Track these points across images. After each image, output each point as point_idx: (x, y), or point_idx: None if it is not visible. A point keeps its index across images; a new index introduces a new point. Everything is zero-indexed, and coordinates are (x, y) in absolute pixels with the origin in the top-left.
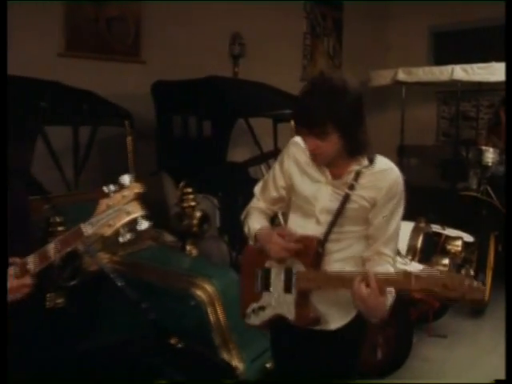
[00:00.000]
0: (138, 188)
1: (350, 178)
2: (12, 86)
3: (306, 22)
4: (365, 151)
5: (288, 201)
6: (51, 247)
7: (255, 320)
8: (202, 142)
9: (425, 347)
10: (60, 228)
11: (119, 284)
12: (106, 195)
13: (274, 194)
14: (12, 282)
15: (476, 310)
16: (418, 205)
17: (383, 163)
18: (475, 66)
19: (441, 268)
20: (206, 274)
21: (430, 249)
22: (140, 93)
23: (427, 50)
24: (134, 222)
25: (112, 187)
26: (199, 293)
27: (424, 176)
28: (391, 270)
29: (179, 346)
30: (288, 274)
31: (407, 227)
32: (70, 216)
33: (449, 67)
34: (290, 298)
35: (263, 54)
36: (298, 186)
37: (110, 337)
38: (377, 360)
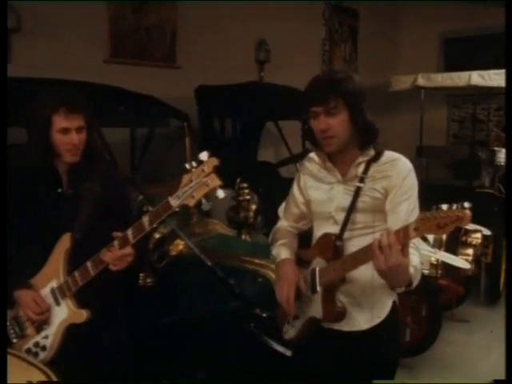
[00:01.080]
0: (214, 162)
1: (359, 171)
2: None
3: (325, 29)
4: (374, 139)
5: (310, 216)
6: (145, 219)
7: (292, 332)
8: (237, 142)
9: (448, 331)
10: None
11: (208, 263)
12: (189, 171)
13: (295, 210)
14: (116, 252)
15: (491, 298)
16: (437, 201)
17: (391, 154)
18: (491, 72)
19: (465, 258)
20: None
21: (452, 241)
22: (176, 96)
23: (438, 56)
24: (213, 192)
25: (194, 163)
26: (266, 271)
27: (439, 175)
28: (414, 251)
29: (264, 315)
30: (313, 274)
31: None
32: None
33: (466, 73)
34: (318, 297)
35: (286, 59)
36: (314, 194)
37: (190, 312)
38: (405, 341)
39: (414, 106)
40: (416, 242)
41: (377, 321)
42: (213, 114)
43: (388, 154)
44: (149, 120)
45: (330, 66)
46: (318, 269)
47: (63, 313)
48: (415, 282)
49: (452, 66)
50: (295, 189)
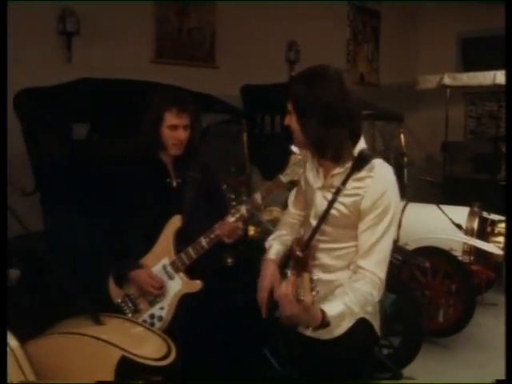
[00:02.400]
0: None
1: (336, 181)
2: (136, 89)
3: (349, 29)
4: (325, 152)
5: None
6: (258, 195)
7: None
8: (279, 138)
9: (477, 314)
10: None
11: None
12: (293, 153)
13: (301, 198)
14: (231, 225)
15: None
16: (462, 194)
17: (374, 168)
18: None
19: (497, 245)
20: None
21: (482, 230)
22: (215, 94)
23: (456, 55)
24: None
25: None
26: None
27: (459, 169)
28: (366, 288)
29: None
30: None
31: (463, 211)
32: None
33: (491, 73)
34: None
35: (315, 59)
36: (305, 189)
37: None
38: (438, 322)
39: (433, 103)
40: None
41: (334, 334)
42: (257, 111)
43: (370, 167)
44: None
45: (353, 64)
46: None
47: (177, 285)
48: (338, 323)
49: (470, 65)
50: (302, 178)
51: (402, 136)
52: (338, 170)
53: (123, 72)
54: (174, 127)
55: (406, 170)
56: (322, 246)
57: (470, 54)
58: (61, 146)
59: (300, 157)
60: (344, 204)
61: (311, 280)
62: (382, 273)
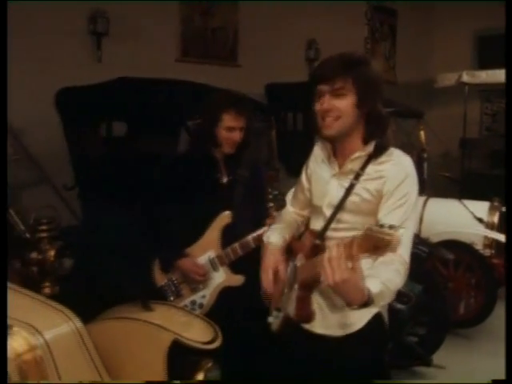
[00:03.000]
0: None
1: (355, 166)
2: (157, 88)
3: (367, 28)
4: (382, 132)
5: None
6: None
7: (275, 324)
8: (303, 135)
9: (498, 307)
10: None
11: None
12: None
13: (301, 197)
14: None
15: None
16: (480, 189)
17: (392, 153)
18: None
19: None
20: None
21: (502, 224)
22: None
23: (471, 53)
24: None
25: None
26: None
27: (476, 165)
28: (397, 270)
29: None
30: (293, 270)
31: (484, 206)
32: None
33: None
34: (293, 294)
35: None
36: (313, 184)
37: None
38: (460, 314)
39: (448, 100)
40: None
41: (350, 330)
42: (281, 108)
43: (389, 153)
44: None
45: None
46: (298, 265)
47: (221, 277)
48: (383, 301)
49: (486, 62)
50: (303, 175)
51: (422, 132)
52: (358, 154)
53: (150, 70)
54: (231, 129)
55: (425, 166)
56: (338, 234)
57: (486, 52)
58: (99, 142)
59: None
60: (366, 189)
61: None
62: (407, 256)
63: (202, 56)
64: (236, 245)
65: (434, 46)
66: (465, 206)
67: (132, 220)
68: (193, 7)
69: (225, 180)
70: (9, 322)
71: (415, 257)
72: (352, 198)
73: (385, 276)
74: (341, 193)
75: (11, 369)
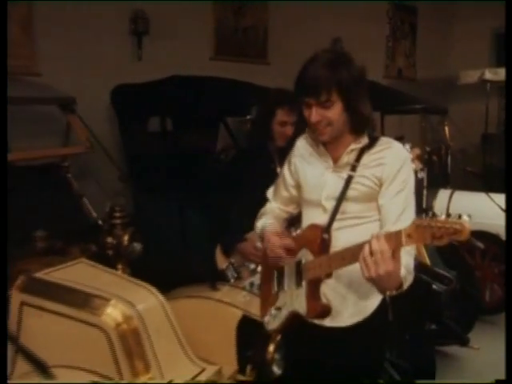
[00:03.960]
0: (417, 151)
1: (351, 158)
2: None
3: (389, 26)
4: (367, 126)
5: (300, 200)
6: None
7: (274, 323)
8: None
9: None
10: None
11: None
12: None
13: (284, 193)
14: None
15: None
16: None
17: (386, 142)
18: None
19: None
20: None
21: None
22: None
23: (489, 50)
24: (416, 173)
25: None
26: None
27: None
28: (408, 253)
29: None
30: (298, 266)
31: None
32: None
33: None
34: (302, 292)
35: (357, 55)
36: (304, 179)
37: None
38: (485, 301)
39: (467, 96)
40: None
41: (360, 317)
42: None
43: (383, 141)
44: None
45: (392, 59)
46: (303, 261)
47: None
48: (406, 284)
49: (503, 59)
50: (286, 171)
51: (446, 128)
52: (354, 146)
53: (186, 68)
54: (284, 123)
55: (449, 161)
56: (342, 224)
57: (504, 50)
58: (147, 136)
59: None
60: (366, 177)
61: None
62: None
63: (234, 54)
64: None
65: (452, 44)
66: (491, 198)
67: (191, 209)
68: (226, 7)
69: (279, 170)
70: (106, 295)
71: (448, 245)
72: (354, 187)
73: (404, 260)
74: (339, 185)
75: (114, 337)
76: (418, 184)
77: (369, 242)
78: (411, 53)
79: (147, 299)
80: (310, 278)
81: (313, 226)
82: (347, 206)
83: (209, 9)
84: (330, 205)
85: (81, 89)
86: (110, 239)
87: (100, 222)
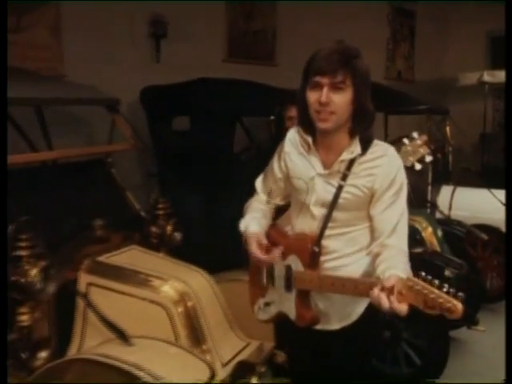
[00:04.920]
0: (424, 137)
1: (342, 167)
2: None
3: (389, 29)
4: (370, 125)
5: (287, 192)
6: None
7: (263, 315)
8: None
9: None
10: None
11: None
12: (404, 143)
13: (272, 186)
14: None
15: None
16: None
17: (379, 149)
18: None
19: None
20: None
21: None
22: None
23: (484, 53)
24: (423, 157)
25: (406, 139)
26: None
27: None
28: (405, 259)
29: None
30: (288, 272)
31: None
32: None
33: None
34: (291, 297)
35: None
36: (294, 176)
37: None
38: (487, 289)
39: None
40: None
41: (349, 321)
42: None
43: (376, 148)
44: None
45: (392, 62)
46: (293, 269)
47: None
48: None
49: (498, 62)
50: (275, 164)
51: (447, 128)
52: (346, 156)
53: (200, 70)
54: (292, 118)
55: (450, 159)
56: (330, 232)
57: (499, 52)
58: (172, 134)
59: (410, 147)
60: (356, 186)
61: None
62: (406, 248)
63: (245, 56)
64: None
65: (449, 47)
66: (493, 193)
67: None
68: (237, 12)
69: None
70: (163, 276)
71: (455, 236)
72: (344, 196)
73: (401, 265)
74: (329, 192)
75: (173, 312)
76: (425, 169)
77: (385, 288)
78: (410, 55)
79: (198, 279)
80: (300, 288)
81: (303, 235)
82: (336, 215)
83: (221, 13)
84: (318, 212)
85: (102, 90)
86: (154, 229)
87: (142, 213)
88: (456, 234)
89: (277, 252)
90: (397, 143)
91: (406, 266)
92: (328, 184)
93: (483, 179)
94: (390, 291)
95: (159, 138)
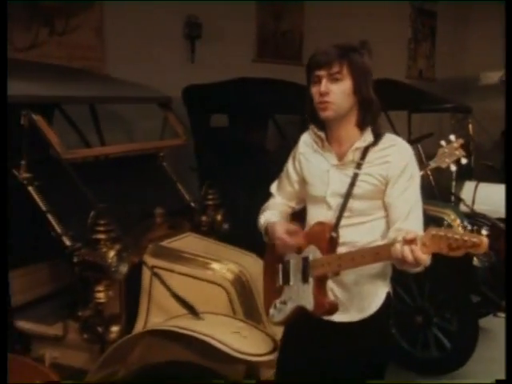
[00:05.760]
0: (461, 141)
1: (356, 156)
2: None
3: (411, 29)
4: (375, 117)
5: (304, 195)
6: None
7: (278, 316)
8: None
9: None
10: None
11: None
12: (441, 146)
13: (288, 188)
14: None
15: None
16: None
17: (390, 139)
18: None
19: None
20: (448, 207)
21: None
22: None
23: (503, 52)
24: (459, 159)
25: (443, 142)
26: (445, 217)
27: None
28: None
29: None
30: (305, 262)
31: None
32: None
33: None
34: (309, 288)
35: (384, 56)
36: (309, 174)
37: None
38: None
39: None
40: None
41: (367, 313)
42: None
43: (388, 138)
44: None
45: (414, 61)
46: (311, 258)
47: None
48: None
49: None
50: (290, 166)
51: (470, 126)
52: (359, 144)
53: (232, 69)
54: None
55: (473, 156)
56: (347, 222)
57: None
58: (213, 131)
59: (447, 150)
60: (371, 175)
61: None
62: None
63: (274, 56)
64: None
65: (469, 46)
66: None
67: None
68: (267, 13)
69: None
70: (220, 259)
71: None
72: (359, 185)
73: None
74: (345, 182)
75: (232, 292)
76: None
77: (407, 240)
78: (431, 54)
79: (251, 262)
80: (318, 275)
81: (320, 224)
82: (353, 204)
83: (252, 14)
84: (334, 202)
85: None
86: (204, 218)
87: (192, 204)
88: (481, 226)
89: (301, 237)
90: (418, 142)
91: None
92: (343, 174)
93: (503, 176)
94: (412, 242)
95: (199, 134)
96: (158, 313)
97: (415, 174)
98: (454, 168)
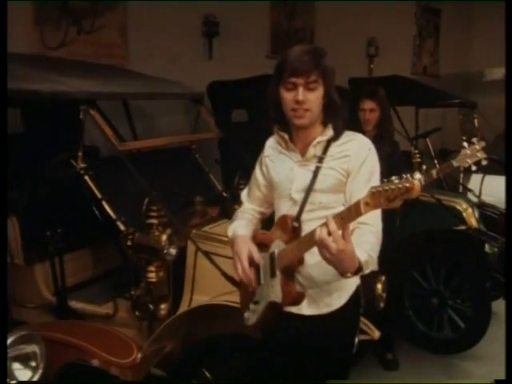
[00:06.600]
0: (483, 143)
1: (318, 151)
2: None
3: (416, 27)
4: (340, 116)
5: (272, 199)
6: (434, 171)
7: (253, 317)
8: None
9: None
10: None
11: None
12: (464, 147)
13: (257, 193)
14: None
15: None
16: None
17: (349, 134)
18: None
19: None
20: (460, 197)
21: None
22: None
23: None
24: (480, 161)
25: (466, 144)
26: (458, 206)
27: None
28: (374, 239)
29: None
30: (271, 257)
31: None
32: None
33: None
34: (276, 281)
35: (390, 53)
36: (275, 176)
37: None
38: None
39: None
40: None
41: (336, 306)
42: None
43: (347, 134)
44: None
45: (419, 57)
46: (276, 252)
47: None
48: (369, 268)
49: None
50: (257, 172)
51: (475, 120)
52: (320, 139)
53: (247, 66)
54: (363, 110)
55: None
56: (311, 216)
57: None
58: (235, 126)
59: (469, 151)
60: (332, 168)
61: None
62: (380, 226)
63: None
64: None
65: (473, 42)
66: None
67: None
68: (280, 12)
69: None
70: None
71: (490, 218)
72: (321, 179)
73: (367, 246)
74: (308, 177)
75: None
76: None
77: (325, 222)
78: (435, 51)
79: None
80: (283, 266)
81: (283, 217)
82: (316, 197)
83: (266, 13)
84: (299, 196)
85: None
86: (236, 207)
87: (224, 194)
88: (490, 216)
89: (259, 258)
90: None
91: (373, 246)
92: (307, 170)
93: (507, 169)
94: (327, 225)
95: (223, 128)
96: (201, 292)
97: (375, 167)
98: (474, 168)
